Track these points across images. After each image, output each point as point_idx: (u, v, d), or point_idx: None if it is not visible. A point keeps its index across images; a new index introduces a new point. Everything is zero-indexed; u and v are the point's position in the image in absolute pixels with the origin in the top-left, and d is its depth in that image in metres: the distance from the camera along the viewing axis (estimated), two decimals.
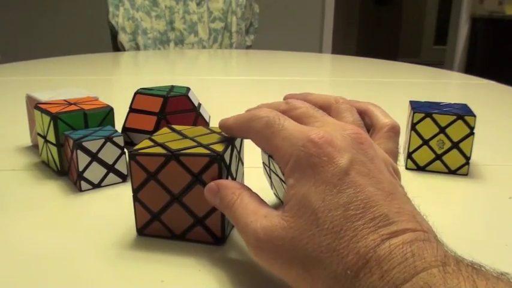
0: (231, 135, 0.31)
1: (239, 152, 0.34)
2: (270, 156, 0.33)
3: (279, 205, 0.26)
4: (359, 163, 0.22)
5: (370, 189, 0.21)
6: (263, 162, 0.35)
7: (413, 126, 0.43)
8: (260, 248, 0.24)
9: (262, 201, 0.27)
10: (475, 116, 0.42)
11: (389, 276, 0.19)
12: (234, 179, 0.32)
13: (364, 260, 0.19)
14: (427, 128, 0.43)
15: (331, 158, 0.22)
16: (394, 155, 0.30)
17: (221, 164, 0.29)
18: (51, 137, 0.41)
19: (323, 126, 0.25)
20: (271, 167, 0.33)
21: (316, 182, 0.22)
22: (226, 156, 0.30)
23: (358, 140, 0.23)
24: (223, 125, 0.31)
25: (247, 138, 0.29)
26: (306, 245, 0.21)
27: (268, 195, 0.37)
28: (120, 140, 0.40)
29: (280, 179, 0.32)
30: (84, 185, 0.39)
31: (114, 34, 1.75)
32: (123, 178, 0.41)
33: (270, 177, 0.35)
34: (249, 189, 0.28)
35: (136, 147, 0.31)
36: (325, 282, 0.20)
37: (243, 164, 0.35)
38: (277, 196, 0.35)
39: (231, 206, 0.27)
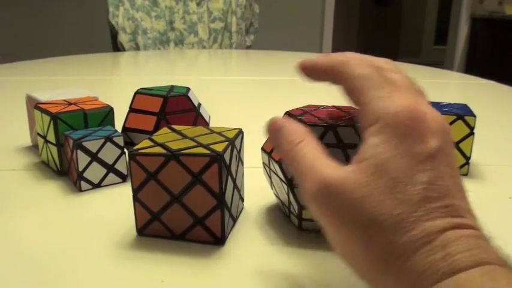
0: (309, 76, 0.28)
1: (239, 152, 0.34)
2: (269, 156, 0.33)
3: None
4: (445, 152, 0.22)
5: (449, 179, 0.22)
6: (263, 163, 0.35)
7: None
8: (323, 197, 0.22)
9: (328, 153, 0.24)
10: (475, 116, 0.42)
11: (452, 259, 0.19)
12: (234, 179, 0.32)
13: (428, 238, 0.20)
14: None
15: (423, 137, 0.22)
16: None
17: (221, 164, 0.29)
18: (51, 137, 0.41)
19: (415, 98, 0.24)
20: (271, 167, 0.33)
21: (402, 152, 0.21)
22: (226, 156, 0.30)
23: (447, 128, 0.23)
24: (304, 63, 0.28)
25: (332, 81, 0.26)
26: (374, 208, 0.21)
27: (269, 196, 0.37)
28: (120, 140, 0.40)
29: (280, 179, 0.32)
30: (84, 185, 0.39)
31: (114, 34, 1.75)
32: (123, 178, 0.41)
33: (270, 177, 0.35)
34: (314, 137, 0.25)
35: (136, 147, 0.31)
36: (381, 249, 0.20)
37: (243, 164, 0.35)
38: (277, 196, 0.35)
39: (297, 144, 0.24)
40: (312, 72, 0.27)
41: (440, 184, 0.21)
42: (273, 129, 0.26)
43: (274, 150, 0.26)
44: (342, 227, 0.21)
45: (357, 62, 0.25)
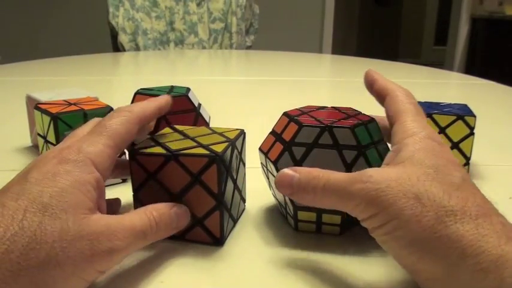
0: (366, 83, 0.34)
1: (240, 153, 0.34)
2: (266, 156, 0.33)
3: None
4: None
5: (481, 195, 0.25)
6: (261, 163, 0.35)
7: None
8: (372, 191, 0.24)
9: None
10: (475, 116, 0.42)
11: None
12: (234, 179, 0.32)
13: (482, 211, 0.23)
14: None
15: (449, 150, 0.28)
16: None
17: (220, 164, 0.29)
18: (51, 137, 0.41)
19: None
20: (268, 167, 0.33)
21: (437, 155, 0.26)
22: (226, 157, 0.30)
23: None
24: (370, 74, 0.34)
25: (380, 99, 0.33)
26: (424, 182, 0.24)
27: (271, 196, 0.37)
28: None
29: None
30: None
31: (114, 34, 1.75)
32: (123, 178, 0.41)
33: (268, 178, 0.35)
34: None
35: (137, 146, 0.31)
36: (436, 213, 0.23)
37: (244, 164, 0.35)
38: (275, 197, 0.35)
39: (322, 176, 0.26)
40: (370, 84, 0.34)
41: (470, 182, 0.25)
42: (286, 180, 0.27)
43: (299, 200, 0.27)
44: (396, 214, 0.23)
45: (402, 93, 0.32)
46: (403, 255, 0.24)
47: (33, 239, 0.21)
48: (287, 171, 0.27)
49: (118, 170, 0.34)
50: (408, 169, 0.25)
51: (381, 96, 0.33)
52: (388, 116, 0.31)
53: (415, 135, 0.28)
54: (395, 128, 0.29)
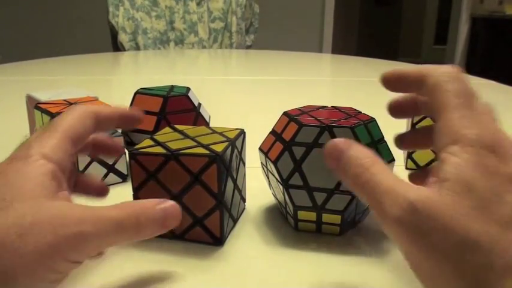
0: (394, 85, 0.28)
1: (240, 152, 0.34)
2: (266, 156, 0.33)
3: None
4: None
5: None
6: (261, 162, 0.35)
7: (413, 126, 0.43)
8: (410, 220, 0.21)
9: None
10: None
11: None
12: (234, 179, 0.32)
13: None
14: None
15: (505, 159, 0.22)
16: None
17: (220, 164, 0.29)
18: None
19: (494, 123, 0.25)
20: (268, 167, 0.33)
21: (487, 172, 0.21)
22: (226, 157, 0.30)
23: None
24: (392, 72, 0.28)
25: (418, 91, 0.26)
26: (467, 226, 0.20)
27: (270, 196, 0.37)
28: (120, 140, 0.40)
29: (277, 179, 0.32)
30: None
31: (114, 34, 1.75)
32: (123, 178, 0.41)
33: (268, 178, 0.35)
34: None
35: (137, 146, 0.31)
36: (477, 270, 0.20)
37: (244, 164, 0.35)
38: (274, 196, 0.35)
39: (368, 167, 0.23)
40: (399, 80, 0.28)
41: None
42: (335, 153, 0.24)
43: (338, 177, 0.25)
44: (432, 249, 0.20)
45: (449, 75, 0.25)
46: None
47: None
48: (338, 142, 0.24)
49: (97, 149, 0.32)
50: (454, 198, 0.21)
51: (414, 86, 0.27)
52: (429, 110, 0.26)
53: (462, 140, 0.22)
54: (438, 129, 0.24)
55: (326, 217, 0.32)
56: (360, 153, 0.24)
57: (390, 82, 0.28)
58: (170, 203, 0.25)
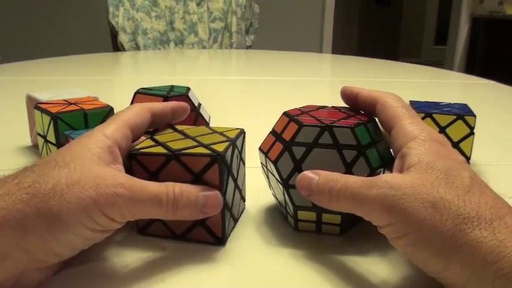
0: (349, 102, 0.35)
1: (240, 152, 0.34)
2: (266, 156, 0.33)
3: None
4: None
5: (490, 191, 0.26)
6: (261, 162, 0.35)
7: None
8: (386, 195, 0.24)
9: None
10: (475, 116, 0.42)
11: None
12: (235, 179, 0.32)
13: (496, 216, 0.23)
14: None
15: (453, 149, 0.28)
16: None
17: (222, 164, 0.29)
18: (51, 137, 0.41)
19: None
20: (268, 167, 0.33)
21: (444, 156, 0.27)
22: (227, 156, 0.30)
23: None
24: (348, 90, 0.35)
25: (371, 110, 0.33)
26: (438, 188, 0.24)
27: (270, 195, 0.37)
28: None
29: (277, 179, 0.32)
30: None
31: (114, 34, 1.75)
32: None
33: (268, 178, 0.35)
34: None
35: (138, 146, 0.31)
36: (453, 220, 0.23)
37: (244, 164, 0.35)
38: (274, 196, 0.35)
39: (340, 178, 0.27)
40: (352, 97, 0.34)
41: (479, 180, 0.26)
42: (307, 181, 0.28)
43: (315, 201, 0.28)
44: (414, 214, 0.24)
45: (393, 99, 0.32)
46: (428, 265, 0.24)
47: (40, 176, 0.25)
48: (308, 173, 0.28)
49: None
50: (420, 175, 0.25)
51: (368, 106, 0.33)
52: (383, 122, 0.32)
53: (417, 138, 0.28)
54: (395, 134, 0.29)
55: (326, 217, 0.32)
56: (328, 174, 0.28)
57: (349, 98, 0.34)
58: (214, 192, 0.28)
